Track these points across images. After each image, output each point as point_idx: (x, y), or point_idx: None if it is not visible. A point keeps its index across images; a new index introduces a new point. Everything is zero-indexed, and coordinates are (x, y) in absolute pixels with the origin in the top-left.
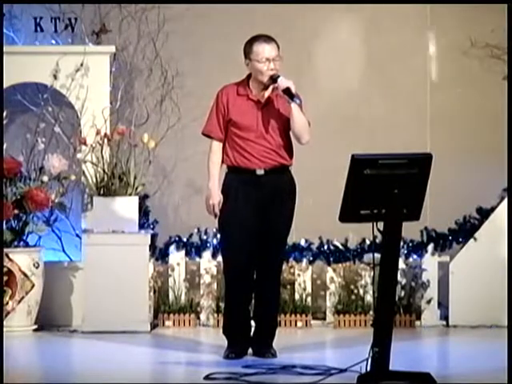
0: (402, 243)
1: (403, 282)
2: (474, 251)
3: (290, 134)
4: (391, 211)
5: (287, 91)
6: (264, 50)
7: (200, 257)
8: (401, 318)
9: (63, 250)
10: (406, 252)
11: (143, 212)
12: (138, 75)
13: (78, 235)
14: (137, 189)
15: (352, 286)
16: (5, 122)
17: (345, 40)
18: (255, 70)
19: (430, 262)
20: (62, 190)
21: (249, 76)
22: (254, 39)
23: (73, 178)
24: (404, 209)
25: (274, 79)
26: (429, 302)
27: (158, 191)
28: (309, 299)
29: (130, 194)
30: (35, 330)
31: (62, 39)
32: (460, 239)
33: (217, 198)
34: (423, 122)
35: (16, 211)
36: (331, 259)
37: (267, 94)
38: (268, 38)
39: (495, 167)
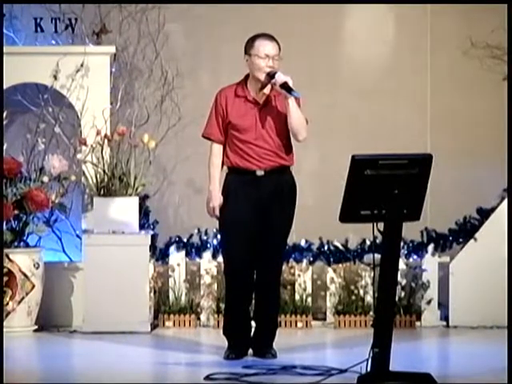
0: (402, 244)
1: (403, 282)
2: (474, 252)
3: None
4: (391, 211)
5: (285, 86)
6: (265, 46)
7: (200, 257)
8: (401, 319)
9: (63, 251)
10: (406, 252)
11: (143, 212)
12: (138, 76)
13: (78, 236)
14: (137, 189)
15: (352, 287)
16: (5, 122)
17: (345, 40)
18: (253, 65)
19: (430, 263)
20: (62, 190)
21: (247, 77)
22: (257, 36)
23: (73, 178)
24: (404, 209)
25: (271, 76)
26: (429, 302)
27: (158, 191)
28: (309, 300)
29: (131, 195)
30: (35, 331)
31: (62, 40)
32: (460, 240)
33: (217, 200)
34: (423, 123)
35: (16, 212)
36: (331, 260)
37: (266, 90)
38: (271, 37)
39: (495, 167)
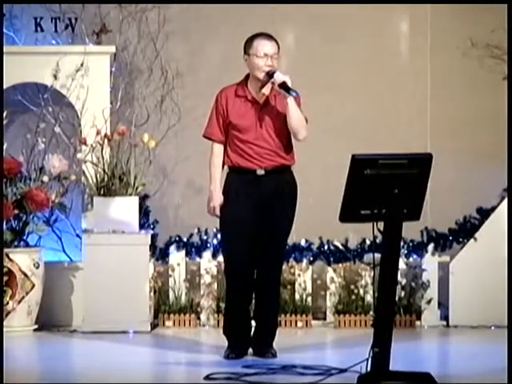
0: (402, 243)
1: (403, 282)
2: (474, 251)
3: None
4: (391, 211)
5: (283, 85)
6: (264, 45)
7: (200, 257)
8: (401, 319)
9: (63, 250)
10: (406, 252)
11: (143, 212)
12: (138, 75)
13: (78, 235)
14: (137, 189)
15: (352, 286)
16: (5, 122)
17: (345, 40)
18: (252, 65)
19: (430, 262)
20: (62, 190)
21: (247, 76)
22: (256, 35)
23: (73, 178)
24: (404, 209)
25: (270, 75)
26: (429, 302)
27: (159, 191)
28: (309, 299)
29: (131, 194)
30: (35, 330)
31: (62, 39)
32: (460, 239)
33: (218, 200)
34: (423, 122)
35: (16, 211)
36: (331, 259)
37: (264, 90)
38: (269, 36)
39: (495, 167)
